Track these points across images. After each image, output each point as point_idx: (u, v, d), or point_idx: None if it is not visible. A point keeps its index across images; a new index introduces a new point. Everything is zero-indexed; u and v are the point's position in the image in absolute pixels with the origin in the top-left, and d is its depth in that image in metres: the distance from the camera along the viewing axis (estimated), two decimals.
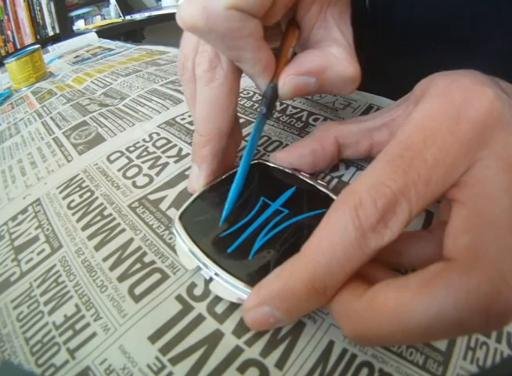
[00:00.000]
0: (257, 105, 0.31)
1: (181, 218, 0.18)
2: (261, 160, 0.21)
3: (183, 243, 0.17)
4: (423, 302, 0.11)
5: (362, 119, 0.20)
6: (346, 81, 0.18)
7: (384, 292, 0.12)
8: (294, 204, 0.18)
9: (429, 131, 0.13)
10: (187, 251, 0.17)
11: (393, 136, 0.14)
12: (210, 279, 0.16)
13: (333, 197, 0.18)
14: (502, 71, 0.16)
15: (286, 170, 0.21)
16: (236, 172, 0.19)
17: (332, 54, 0.17)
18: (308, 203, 0.18)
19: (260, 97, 0.32)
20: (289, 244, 0.16)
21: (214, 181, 0.20)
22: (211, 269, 0.16)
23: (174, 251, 0.18)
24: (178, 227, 0.18)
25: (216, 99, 0.19)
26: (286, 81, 0.17)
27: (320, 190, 0.19)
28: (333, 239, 0.12)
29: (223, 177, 0.20)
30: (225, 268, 0.16)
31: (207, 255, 0.16)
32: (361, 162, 0.23)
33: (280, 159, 0.21)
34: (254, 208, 0.18)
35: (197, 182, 0.20)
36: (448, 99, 0.13)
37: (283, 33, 0.20)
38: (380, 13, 0.31)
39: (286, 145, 0.25)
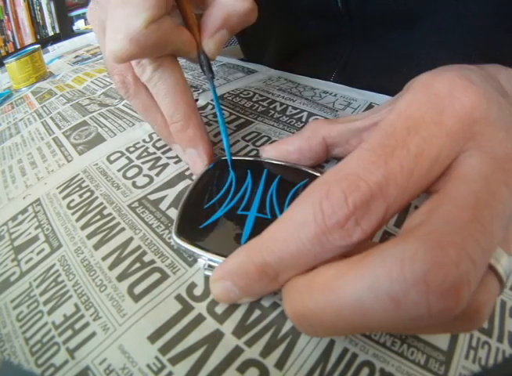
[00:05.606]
0: (257, 105, 0.31)
1: (181, 234, 0.18)
2: (222, 158, 0.23)
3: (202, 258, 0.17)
4: (356, 275, 0.10)
5: (352, 118, 0.20)
6: (246, 15, 0.20)
7: (326, 268, 0.11)
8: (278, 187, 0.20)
9: (412, 120, 0.12)
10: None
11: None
12: None
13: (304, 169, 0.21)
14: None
15: (254, 159, 0.23)
16: (203, 175, 0.21)
17: (223, 3, 0.20)
18: (285, 177, 0.21)
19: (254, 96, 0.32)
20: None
21: (190, 188, 0.21)
22: None
23: (174, 251, 0.18)
24: (189, 247, 0.17)
25: (175, 85, 0.21)
26: (210, 45, 0.21)
27: (289, 166, 0.21)
28: (290, 232, 0.12)
29: (199, 177, 0.21)
30: None
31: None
32: None
33: (268, 153, 0.22)
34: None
35: (202, 161, 0.22)
36: (432, 91, 0.13)
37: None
38: (355, 9, 0.30)
39: None
